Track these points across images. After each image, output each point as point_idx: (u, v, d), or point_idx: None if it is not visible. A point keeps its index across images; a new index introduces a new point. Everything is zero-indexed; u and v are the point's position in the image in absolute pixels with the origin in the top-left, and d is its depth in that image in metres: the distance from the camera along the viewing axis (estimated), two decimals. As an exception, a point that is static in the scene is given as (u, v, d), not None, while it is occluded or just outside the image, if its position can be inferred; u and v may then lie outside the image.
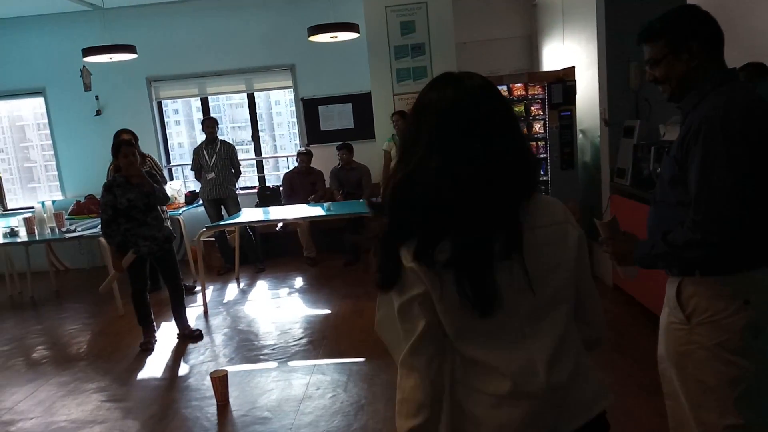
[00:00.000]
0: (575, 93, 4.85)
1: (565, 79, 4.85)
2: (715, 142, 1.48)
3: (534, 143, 4.96)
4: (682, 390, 1.66)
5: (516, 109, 4.96)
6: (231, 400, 3.29)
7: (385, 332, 1.23)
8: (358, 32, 5.04)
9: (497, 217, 1.06)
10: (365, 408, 3.10)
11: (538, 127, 4.99)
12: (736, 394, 1.57)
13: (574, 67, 4.90)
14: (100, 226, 5.19)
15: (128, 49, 5.26)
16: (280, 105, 8.83)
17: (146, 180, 4.06)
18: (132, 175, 4.04)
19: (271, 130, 8.67)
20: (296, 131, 7.30)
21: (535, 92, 4.95)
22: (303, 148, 6.63)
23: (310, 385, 3.42)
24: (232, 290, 5.64)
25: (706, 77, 1.59)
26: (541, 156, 4.89)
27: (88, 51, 5.14)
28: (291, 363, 3.78)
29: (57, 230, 5.23)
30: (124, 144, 4.09)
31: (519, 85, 4.97)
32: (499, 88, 4.52)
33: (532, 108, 4.99)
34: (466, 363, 1.14)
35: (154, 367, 3.93)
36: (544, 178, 4.87)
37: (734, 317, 1.54)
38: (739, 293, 1.54)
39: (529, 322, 1.12)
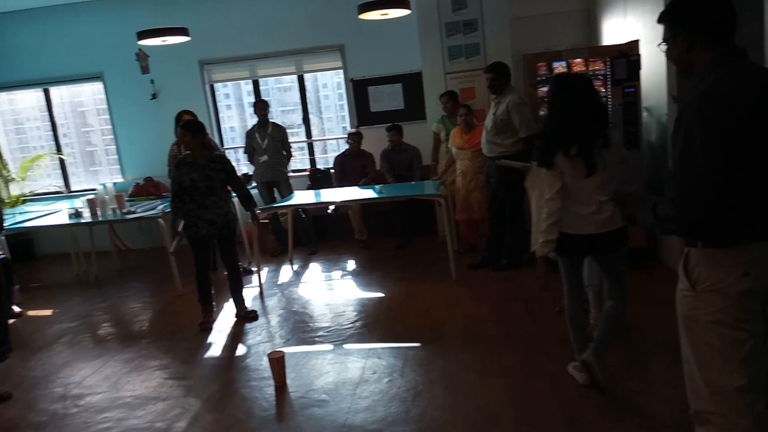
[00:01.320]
0: (640, 68, 4.59)
1: (628, 54, 4.59)
2: (692, 128, 1.59)
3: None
4: (692, 353, 1.76)
5: (576, 86, 4.75)
6: (288, 381, 3.32)
7: (531, 188, 2.86)
8: (409, 8, 4.91)
9: (598, 133, 2.67)
10: (422, 394, 3.07)
11: (599, 105, 4.76)
12: (741, 356, 1.65)
13: (638, 40, 4.63)
14: (159, 207, 5.37)
15: (181, 31, 5.31)
16: (327, 88, 8.79)
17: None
18: (197, 155, 4.16)
19: (319, 113, 8.65)
20: (343, 114, 7.26)
21: (596, 68, 4.71)
22: (353, 130, 6.59)
23: (366, 368, 3.41)
24: (286, 272, 5.70)
25: (705, 61, 1.68)
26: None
27: (142, 34, 5.22)
28: (346, 346, 3.79)
29: (118, 211, 5.39)
30: (183, 125, 4.19)
31: (579, 60, 4.74)
32: (558, 64, 4.30)
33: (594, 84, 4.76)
34: (567, 202, 2.72)
35: (213, 346, 4.02)
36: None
37: (734, 286, 1.64)
38: (738, 265, 1.64)
39: (601, 185, 2.68)
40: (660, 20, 1.81)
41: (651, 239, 4.72)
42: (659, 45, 1.83)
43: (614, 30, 5.50)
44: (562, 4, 6.17)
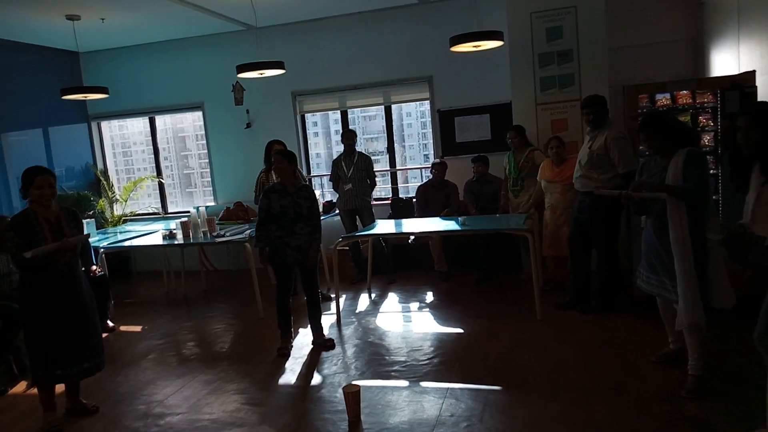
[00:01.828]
0: (755, 100, 4.22)
1: (742, 85, 4.23)
2: None
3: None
4: None
5: (682, 119, 4.41)
6: (363, 417, 3.22)
7: None
8: (502, 40, 4.82)
9: None
10: (503, 443, 2.86)
11: (707, 139, 4.40)
12: None
13: (754, 71, 4.26)
14: (246, 232, 5.52)
15: (277, 65, 5.51)
16: (411, 117, 8.84)
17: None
18: (288, 183, 4.26)
19: (402, 141, 8.69)
20: (426, 142, 7.22)
21: (705, 100, 4.38)
22: (437, 160, 6.52)
23: (444, 410, 3.25)
24: (363, 300, 5.65)
25: None
26: (711, 172, 4.30)
27: (242, 68, 5.47)
28: (423, 383, 3.64)
29: (209, 234, 5.60)
30: (279, 153, 4.31)
31: (685, 92, 4.43)
32: (662, 96, 4.11)
33: (701, 118, 4.41)
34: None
35: (289, 373, 4.00)
36: (714, 197, 4.28)
37: None
38: None
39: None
40: None
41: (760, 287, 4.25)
42: None
43: (724, 60, 5.12)
44: (665, 34, 5.85)
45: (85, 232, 5.41)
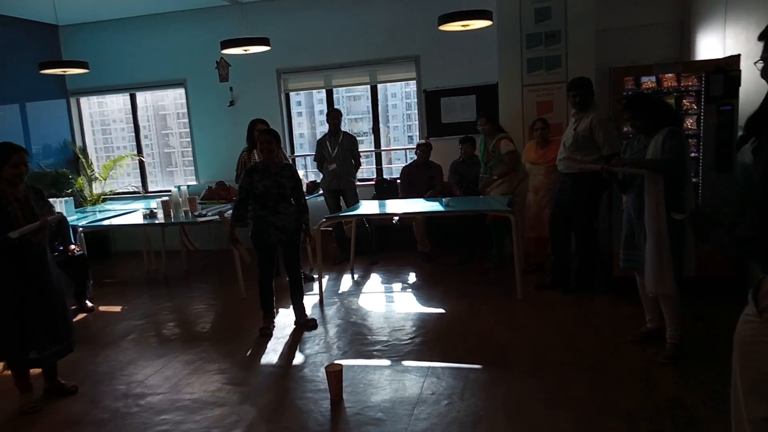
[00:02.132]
0: (739, 85, 4.23)
1: (727, 69, 4.23)
2: None
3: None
4: (740, 378, 1.74)
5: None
6: (345, 395, 3.22)
7: None
8: (492, 20, 4.76)
9: None
10: (483, 421, 2.89)
11: (690, 122, 4.41)
12: None
13: (739, 55, 4.27)
14: (228, 212, 5.46)
15: (262, 41, 5.41)
16: (396, 98, 8.79)
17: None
18: (271, 163, 4.18)
19: (386, 122, 8.65)
20: (410, 123, 7.18)
21: (689, 83, 4.38)
22: (422, 140, 6.49)
23: (425, 388, 3.27)
24: (346, 281, 5.65)
25: None
26: (692, 155, 4.33)
27: (226, 44, 5.35)
28: (404, 362, 3.66)
29: (190, 214, 5.53)
30: (267, 133, 4.23)
31: (670, 75, 4.42)
32: (647, 78, 4.00)
33: (685, 101, 4.41)
34: None
35: (271, 353, 3.99)
36: (695, 180, 4.31)
37: None
38: None
39: None
40: (761, 38, 1.76)
41: (736, 267, 4.33)
42: (756, 63, 1.79)
43: (710, 44, 5.13)
44: (653, 16, 5.84)
45: (63, 211, 5.34)
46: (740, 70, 4.22)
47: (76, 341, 3.46)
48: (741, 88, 4.25)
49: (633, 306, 4.00)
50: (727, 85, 4.24)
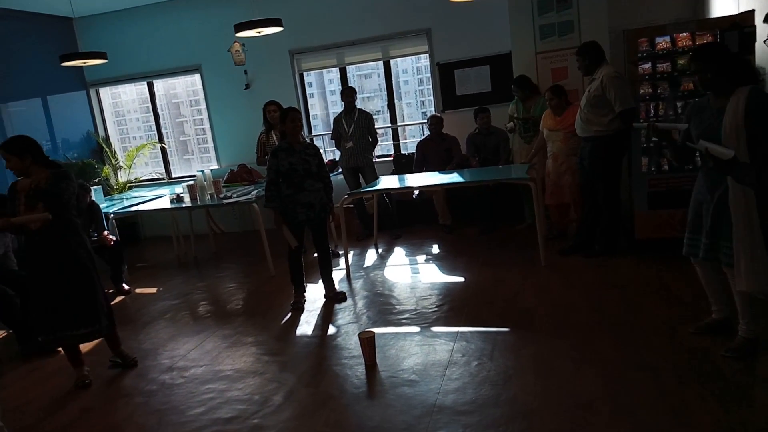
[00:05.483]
0: (755, 41, 4.21)
1: (742, 25, 4.22)
2: None
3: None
4: None
5: (680, 62, 4.42)
6: (377, 361, 3.37)
7: None
8: (502, -12, 4.78)
9: None
10: (513, 379, 3.02)
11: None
12: None
13: (753, 10, 4.25)
14: (253, 193, 5.59)
15: (275, 22, 5.47)
16: (407, 74, 8.79)
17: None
18: (295, 141, 4.31)
19: (399, 98, 8.68)
20: (423, 99, 7.20)
21: (704, 42, 4.38)
22: (433, 114, 6.54)
23: (455, 351, 3.40)
24: (371, 255, 5.78)
25: None
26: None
27: (239, 26, 5.42)
28: (434, 329, 3.79)
29: (215, 197, 5.68)
30: (292, 110, 4.34)
31: (685, 34, 4.42)
32: (662, 39, 3.95)
33: (700, 60, 4.42)
34: None
35: (304, 325, 4.15)
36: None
37: None
38: None
39: None
40: (766, 20, 1.73)
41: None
42: (765, 42, 1.73)
43: (724, 1, 5.08)
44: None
45: (93, 199, 5.50)
46: (755, 26, 4.20)
47: (105, 326, 3.52)
48: (757, 44, 4.24)
49: (657, 266, 4.08)
50: (743, 41, 4.23)
